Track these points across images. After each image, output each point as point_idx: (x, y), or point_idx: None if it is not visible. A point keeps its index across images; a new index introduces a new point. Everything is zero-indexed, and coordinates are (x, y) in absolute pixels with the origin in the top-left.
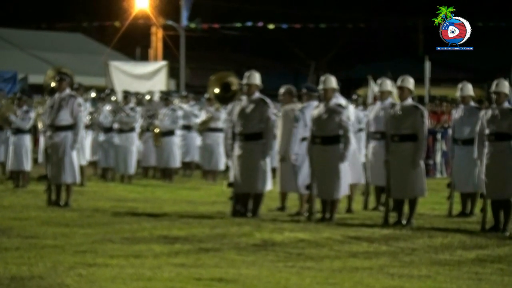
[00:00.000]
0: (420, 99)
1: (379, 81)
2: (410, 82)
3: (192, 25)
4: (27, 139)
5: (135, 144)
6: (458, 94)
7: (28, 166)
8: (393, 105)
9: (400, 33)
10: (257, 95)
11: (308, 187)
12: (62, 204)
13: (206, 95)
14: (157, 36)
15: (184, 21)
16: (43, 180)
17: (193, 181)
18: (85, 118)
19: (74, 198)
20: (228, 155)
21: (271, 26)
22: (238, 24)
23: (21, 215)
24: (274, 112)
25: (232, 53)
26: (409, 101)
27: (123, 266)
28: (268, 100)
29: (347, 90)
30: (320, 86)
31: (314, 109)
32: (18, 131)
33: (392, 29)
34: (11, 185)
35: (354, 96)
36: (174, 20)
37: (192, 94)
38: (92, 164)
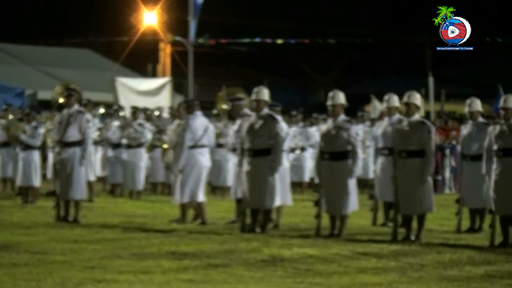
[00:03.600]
0: (426, 115)
1: (386, 96)
2: (417, 98)
3: (200, 41)
4: (36, 155)
5: (143, 160)
6: (466, 109)
7: (37, 182)
8: (400, 121)
9: (407, 49)
10: (265, 111)
11: (317, 203)
12: (71, 220)
13: (214, 111)
14: (165, 52)
15: (192, 37)
16: (51, 196)
17: None
18: (93, 134)
19: (83, 214)
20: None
21: (279, 41)
22: (247, 40)
23: (29, 231)
24: (283, 127)
25: (240, 69)
26: (416, 117)
27: (132, 282)
28: (277, 116)
29: (354, 106)
30: (329, 102)
31: (323, 125)
32: (27, 147)
33: (400, 44)
34: (20, 201)
35: (359, 113)
36: (182, 36)
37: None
38: (101, 180)
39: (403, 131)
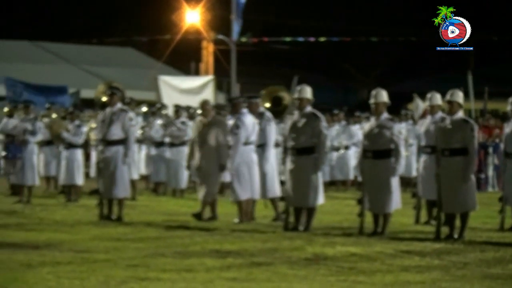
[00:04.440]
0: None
1: (429, 95)
2: (459, 96)
3: (243, 39)
4: (79, 154)
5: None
6: (509, 108)
7: (80, 180)
8: (442, 119)
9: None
10: (308, 109)
11: (360, 201)
12: (114, 218)
13: None
14: (208, 51)
15: (234, 36)
16: (94, 194)
17: None
18: (136, 133)
19: (126, 212)
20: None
21: (322, 39)
22: (289, 39)
23: (73, 229)
24: (326, 125)
25: (282, 67)
26: (459, 115)
27: (175, 280)
28: (319, 114)
29: (397, 105)
30: (371, 100)
31: (365, 123)
32: (70, 145)
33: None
34: (63, 199)
35: (403, 112)
36: (225, 34)
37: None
38: (144, 178)
39: (445, 129)
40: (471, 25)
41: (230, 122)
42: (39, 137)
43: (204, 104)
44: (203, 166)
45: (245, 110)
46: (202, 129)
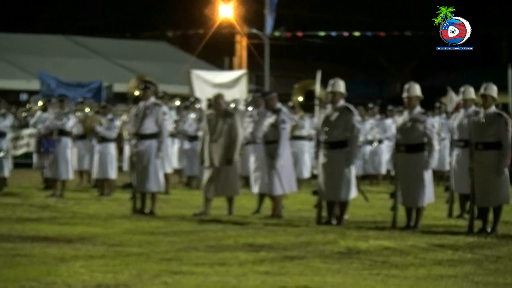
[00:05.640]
0: (504, 107)
1: (462, 88)
2: (493, 90)
3: (277, 34)
4: (112, 148)
5: None
6: None
7: (113, 174)
8: (476, 113)
9: (484, 41)
10: (341, 103)
11: (392, 195)
12: (147, 212)
13: (290, 103)
14: (242, 45)
15: (268, 30)
16: (128, 188)
17: None
18: (169, 127)
19: (159, 206)
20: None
21: (356, 34)
22: (322, 33)
23: (106, 223)
24: (359, 119)
25: (315, 62)
26: (493, 109)
27: (208, 274)
28: (352, 108)
29: (430, 99)
30: (404, 94)
31: (398, 117)
32: (103, 139)
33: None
34: (96, 193)
35: (437, 104)
36: (258, 29)
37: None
38: (178, 172)
39: (479, 123)
40: (505, 18)
41: (269, 117)
42: (74, 130)
43: (217, 98)
44: (215, 162)
45: (280, 105)
46: (215, 123)
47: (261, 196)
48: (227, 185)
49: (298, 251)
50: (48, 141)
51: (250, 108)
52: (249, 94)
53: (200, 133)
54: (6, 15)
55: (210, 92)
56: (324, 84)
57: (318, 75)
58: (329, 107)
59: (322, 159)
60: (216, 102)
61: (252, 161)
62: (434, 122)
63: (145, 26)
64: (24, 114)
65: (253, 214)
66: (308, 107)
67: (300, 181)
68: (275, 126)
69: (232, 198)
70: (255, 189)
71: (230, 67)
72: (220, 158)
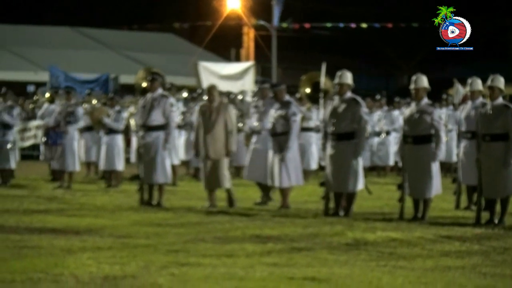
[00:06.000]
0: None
1: (469, 80)
2: (500, 82)
3: (284, 25)
4: (120, 139)
5: None
6: None
7: (120, 166)
8: (483, 105)
9: (490, 33)
10: (349, 94)
11: (400, 186)
12: (155, 204)
13: (297, 95)
14: (249, 36)
15: (275, 21)
16: (135, 180)
17: None
18: (177, 118)
19: (167, 197)
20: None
21: (364, 25)
22: (330, 25)
23: (113, 215)
24: (366, 111)
25: (323, 53)
26: (500, 101)
27: (215, 266)
28: (360, 100)
29: (437, 90)
30: (412, 86)
31: (406, 108)
32: (111, 131)
33: (483, 29)
34: (104, 185)
35: (444, 96)
36: (266, 20)
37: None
38: (185, 164)
39: (486, 114)
40: (509, 9)
41: (275, 109)
42: (81, 123)
43: (210, 89)
44: (211, 153)
45: (288, 97)
46: (209, 115)
47: (261, 185)
48: (216, 178)
49: (305, 243)
50: (56, 133)
51: (255, 99)
52: (256, 85)
53: None
54: (14, 7)
55: (218, 84)
56: (331, 76)
57: (323, 67)
58: (336, 99)
59: (329, 150)
60: (209, 93)
61: (250, 150)
62: (441, 114)
63: (152, 18)
64: (31, 106)
65: (264, 205)
66: (315, 99)
67: (308, 173)
68: (285, 118)
69: (229, 190)
70: (251, 177)
71: (237, 59)
72: (216, 150)
